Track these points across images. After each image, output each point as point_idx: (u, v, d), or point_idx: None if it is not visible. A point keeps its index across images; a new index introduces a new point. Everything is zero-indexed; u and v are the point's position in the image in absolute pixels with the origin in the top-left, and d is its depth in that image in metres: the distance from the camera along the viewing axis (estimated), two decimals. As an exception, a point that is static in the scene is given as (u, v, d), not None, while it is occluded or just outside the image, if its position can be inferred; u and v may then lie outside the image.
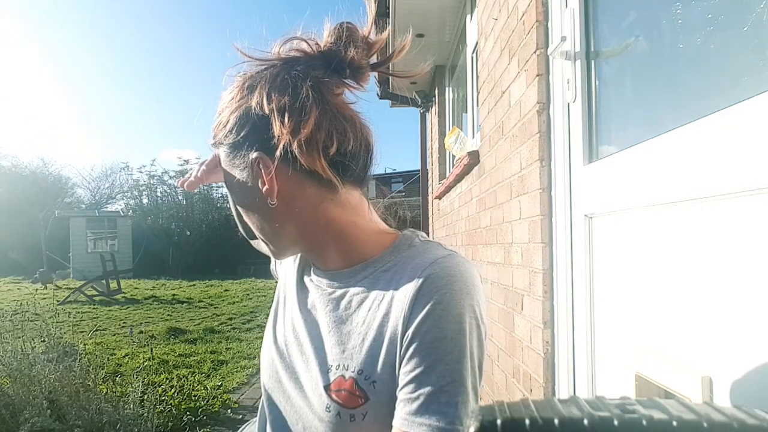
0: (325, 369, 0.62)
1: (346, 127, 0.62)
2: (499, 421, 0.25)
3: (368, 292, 0.63)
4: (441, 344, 0.54)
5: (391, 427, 0.55)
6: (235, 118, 0.62)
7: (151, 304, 8.70)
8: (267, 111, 0.59)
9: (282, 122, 0.58)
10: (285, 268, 0.83)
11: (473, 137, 3.25)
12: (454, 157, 3.91)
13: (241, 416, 2.98)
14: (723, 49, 0.85)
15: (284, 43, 0.63)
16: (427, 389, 0.53)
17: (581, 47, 1.35)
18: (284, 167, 0.60)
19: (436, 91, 5.01)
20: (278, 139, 0.58)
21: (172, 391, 3.23)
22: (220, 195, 16.87)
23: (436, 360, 0.53)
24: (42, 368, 2.53)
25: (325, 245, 0.66)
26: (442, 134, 4.85)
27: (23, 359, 2.55)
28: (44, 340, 2.97)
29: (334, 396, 0.59)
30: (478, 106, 2.65)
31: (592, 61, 1.33)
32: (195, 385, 3.56)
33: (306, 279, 0.73)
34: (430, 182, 5.53)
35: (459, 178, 3.13)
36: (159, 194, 16.85)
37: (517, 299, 1.80)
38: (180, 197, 16.40)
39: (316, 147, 0.59)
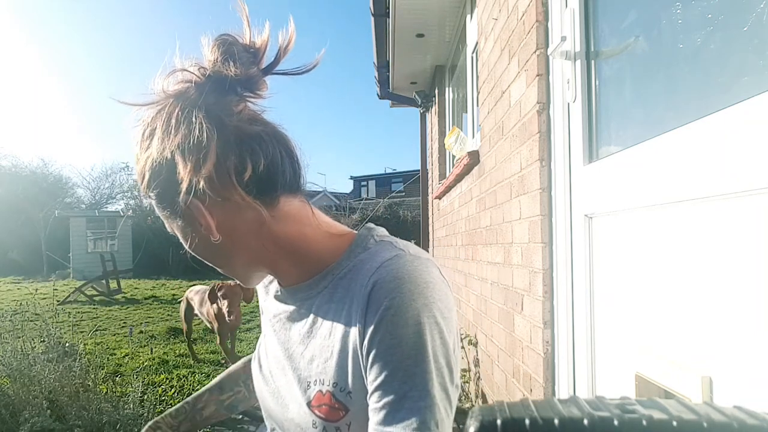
0: (304, 386, 0.63)
1: (254, 147, 0.59)
2: (499, 421, 0.25)
3: (329, 303, 0.62)
4: (397, 351, 0.53)
5: None
6: (149, 171, 0.60)
7: (151, 304, 8.70)
8: (169, 155, 0.57)
9: (183, 162, 0.56)
10: (262, 295, 0.82)
11: (473, 137, 3.25)
12: (454, 157, 3.91)
13: (241, 416, 2.98)
14: (723, 49, 0.85)
15: (167, 77, 0.60)
16: (390, 398, 0.53)
17: (581, 47, 1.35)
18: (214, 201, 0.58)
19: (436, 91, 5.01)
20: (182, 180, 0.56)
21: (172, 391, 3.23)
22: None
23: (395, 367, 0.53)
24: (42, 368, 2.53)
25: (280, 263, 0.65)
26: (442, 134, 4.85)
27: (23, 359, 2.55)
28: (44, 340, 2.97)
29: (316, 412, 0.60)
30: (478, 106, 2.66)
31: (592, 61, 1.33)
32: (195, 385, 3.56)
33: (276, 299, 0.72)
34: (430, 182, 5.53)
35: (459, 178, 3.14)
36: (159, 194, 16.85)
37: (517, 299, 1.80)
38: (180, 197, 16.38)
39: (228, 176, 0.57)
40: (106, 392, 2.81)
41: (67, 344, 2.98)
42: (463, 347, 3.00)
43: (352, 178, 36.17)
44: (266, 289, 0.77)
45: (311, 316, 0.65)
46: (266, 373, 0.72)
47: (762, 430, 0.23)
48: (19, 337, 2.83)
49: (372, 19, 4.35)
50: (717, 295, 0.79)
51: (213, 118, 0.57)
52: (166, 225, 0.65)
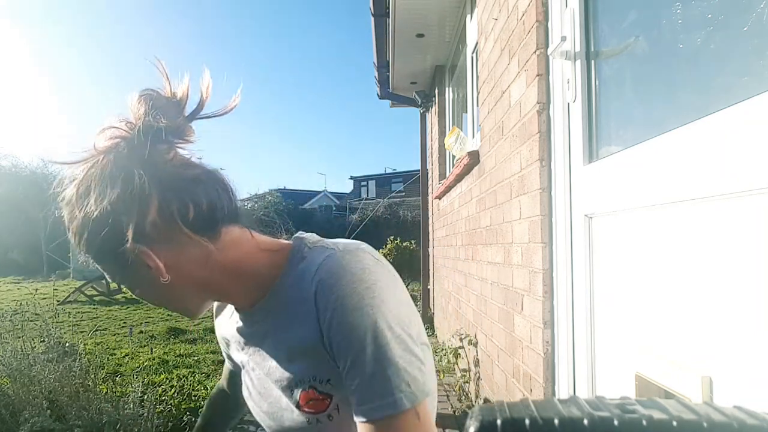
0: (288, 393, 0.68)
1: (193, 189, 0.62)
2: (499, 421, 0.25)
3: (284, 315, 0.67)
4: (353, 336, 0.58)
5: None
6: (88, 229, 0.61)
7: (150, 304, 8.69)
8: (110, 209, 0.59)
9: (127, 213, 0.59)
10: (221, 330, 0.86)
11: (473, 137, 3.25)
12: (454, 157, 3.91)
13: (240, 416, 2.98)
14: (723, 49, 0.85)
15: (97, 135, 0.62)
16: (359, 379, 0.58)
17: (581, 47, 1.35)
18: (160, 244, 0.61)
19: (436, 91, 5.01)
20: (128, 229, 0.59)
21: (172, 391, 3.23)
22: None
23: (355, 352, 0.58)
24: (42, 368, 2.53)
25: (231, 289, 0.69)
26: (442, 134, 4.84)
27: (23, 359, 2.55)
28: (44, 340, 2.97)
29: (306, 409, 0.66)
30: (478, 106, 2.66)
31: (592, 61, 1.33)
32: (195, 385, 3.55)
33: (237, 326, 0.76)
34: (430, 182, 5.53)
35: (459, 178, 3.14)
36: (159, 194, 16.87)
37: (517, 299, 1.80)
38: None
39: (173, 219, 0.60)
40: (106, 392, 2.81)
41: (67, 344, 2.98)
42: (462, 347, 3.00)
43: (352, 178, 36.20)
44: (228, 323, 0.81)
45: (273, 330, 0.69)
46: (256, 397, 0.76)
47: (762, 430, 0.22)
48: (19, 337, 2.83)
49: (372, 19, 4.35)
50: (717, 295, 0.79)
51: (149, 168, 0.60)
52: (108, 276, 0.68)
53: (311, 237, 0.72)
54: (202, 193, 0.63)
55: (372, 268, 0.63)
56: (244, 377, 0.80)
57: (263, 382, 0.73)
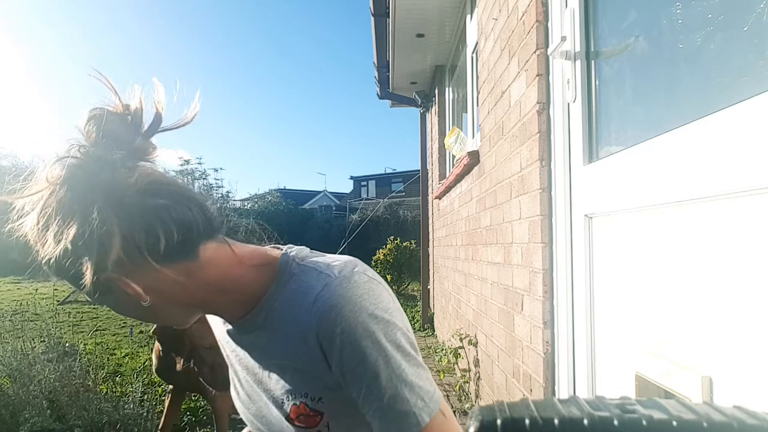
0: (279, 404, 0.68)
1: (161, 216, 0.56)
2: (499, 421, 0.25)
3: (273, 330, 0.65)
4: (365, 364, 0.58)
5: (355, 423, 0.63)
6: (56, 257, 0.55)
7: (151, 304, 8.66)
8: (70, 248, 0.53)
9: (88, 252, 0.53)
10: (218, 333, 0.84)
11: (473, 137, 3.25)
12: (454, 157, 3.91)
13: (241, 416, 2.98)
14: (723, 49, 0.85)
15: (50, 165, 0.56)
16: (377, 404, 0.58)
17: (581, 47, 1.35)
18: (133, 272, 0.57)
19: (436, 91, 5.01)
20: (90, 267, 0.54)
21: (172, 391, 3.22)
22: (219, 195, 16.86)
23: (370, 379, 0.58)
24: (42, 368, 2.53)
25: (215, 305, 0.67)
26: (442, 134, 4.84)
27: (23, 359, 2.55)
28: (44, 340, 2.98)
29: (296, 423, 0.66)
30: (478, 106, 2.66)
31: (592, 61, 1.33)
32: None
33: (230, 334, 0.75)
34: (430, 182, 5.53)
35: (459, 178, 3.14)
36: (159, 194, 16.85)
37: (517, 299, 1.80)
38: (180, 197, 16.38)
39: (140, 253, 0.55)
40: (106, 392, 2.81)
41: (67, 344, 2.98)
42: (462, 347, 2.99)
43: (352, 178, 36.20)
44: (224, 324, 0.80)
45: (261, 344, 0.68)
46: (244, 399, 0.76)
47: (762, 430, 0.23)
48: (19, 337, 2.83)
49: (372, 19, 4.35)
50: (717, 295, 0.79)
51: (108, 199, 0.54)
52: (99, 300, 0.63)
53: (299, 252, 0.68)
54: (174, 218, 0.57)
55: (369, 291, 0.62)
56: (232, 376, 0.78)
57: (253, 388, 0.72)
